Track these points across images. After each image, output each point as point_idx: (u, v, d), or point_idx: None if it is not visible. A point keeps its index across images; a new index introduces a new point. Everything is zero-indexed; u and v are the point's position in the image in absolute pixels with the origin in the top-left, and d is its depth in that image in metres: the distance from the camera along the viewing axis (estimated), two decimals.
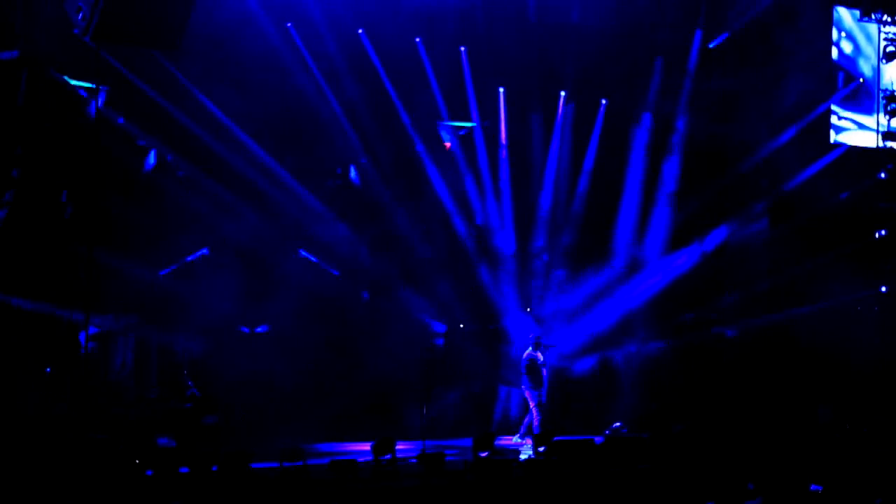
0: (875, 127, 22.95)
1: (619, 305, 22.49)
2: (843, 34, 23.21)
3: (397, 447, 16.00)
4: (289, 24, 20.29)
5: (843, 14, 23.25)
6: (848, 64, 23.32)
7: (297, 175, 21.06)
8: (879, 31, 22.96)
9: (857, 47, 23.33)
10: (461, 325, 21.79)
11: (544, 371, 19.23)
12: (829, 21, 23.12)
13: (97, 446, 14.47)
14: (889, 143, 22.76)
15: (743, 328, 22.78)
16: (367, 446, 16.11)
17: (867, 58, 23.32)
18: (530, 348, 19.36)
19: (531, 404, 19.24)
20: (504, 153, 22.51)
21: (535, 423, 19.07)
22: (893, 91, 22.73)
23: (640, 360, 22.37)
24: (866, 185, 22.87)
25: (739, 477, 15.00)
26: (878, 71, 23.08)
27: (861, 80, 23.15)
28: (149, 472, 14.35)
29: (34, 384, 16.77)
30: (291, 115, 20.85)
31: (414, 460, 16.14)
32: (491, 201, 22.53)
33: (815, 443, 18.08)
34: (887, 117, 22.65)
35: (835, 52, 23.20)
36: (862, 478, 15.12)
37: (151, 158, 19.86)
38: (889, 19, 22.81)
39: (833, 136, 23.20)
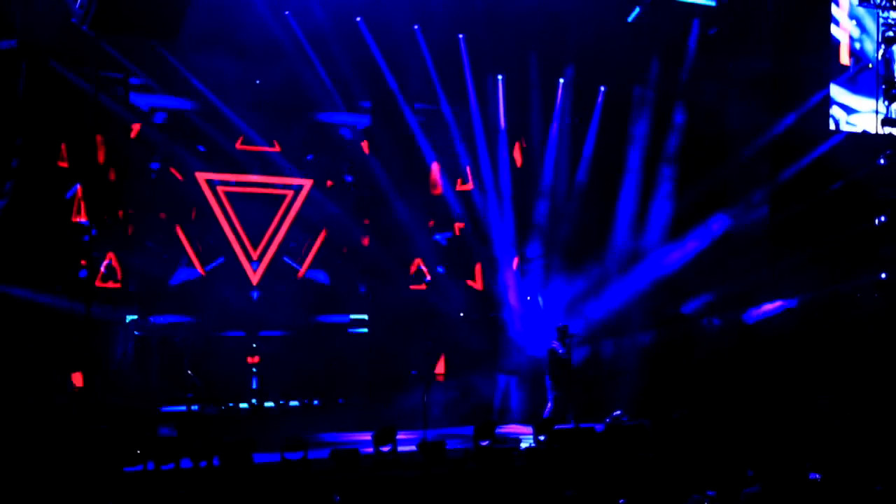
0: (874, 110, 22.89)
1: (618, 294, 22.47)
2: (854, 21, 23.10)
3: (398, 436, 16.02)
4: (287, 13, 20.23)
5: None
6: (855, 48, 23.24)
7: (296, 163, 21.07)
8: (878, 17, 22.91)
9: (864, 31, 23.21)
10: (461, 314, 21.81)
11: (568, 362, 19.10)
12: (828, 4, 23.04)
13: (99, 437, 14.49)
14: (888, 129, 22.73)
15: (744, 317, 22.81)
16: (368, 436, 16.13)
17: (875, 42, 23.24)
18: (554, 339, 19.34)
19: (549, 395, 19.15)
20: (503, 140, 22.48)
21: (546, 411, 18.99)
22: (893, 76, 22.70)
23: (634, 349, 22.35)
24: (866, 171, 22.83)
25: (739, 464, 15.04)
26: (877, 56, 23.02)
27: (870, 65, 23.04)
28: (150, 463, 14.38)
29: (34, 376, 16.75)
30: (290, 104, 20.91)
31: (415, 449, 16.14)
32: (490, 190, 22.51)
33: (815, 430, 18.12)
34: (886, 103, 22.62)
35: (845, 37, 23.08)
36: (862, 465, 15.17)
37: None
38: (887, 4, 22.76)
39: (845, 118, 23.08)
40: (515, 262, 22.47)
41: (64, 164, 18.08)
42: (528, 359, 21.14)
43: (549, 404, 19.11)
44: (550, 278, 22.58)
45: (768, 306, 22.68)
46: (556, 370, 19.19)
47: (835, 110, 23.04)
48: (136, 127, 19.33)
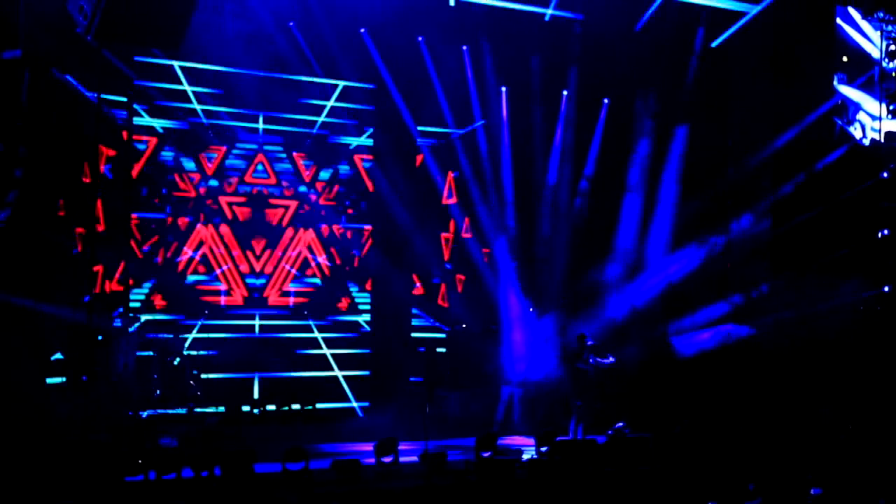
0: (879, 117, 22.87)
1: (619, 307, 22.48)
2: (880, 32, 23.03)
3: (400, 447, 16.00)
4: (291, 24, 20.31)
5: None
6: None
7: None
8: (882, 31, 22.90)
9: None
10: (463, 326, 21.81)
11: (590, 375, 18.91)
12: (832, 15, 23.01)
13: (100, 448, 14.47)
14: (892, 143, 22.72)
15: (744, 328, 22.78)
16: (369, 447, 16.10)
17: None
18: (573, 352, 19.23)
19: (573, 406, 18.93)
20: (507, 153, 22.50)
21: (571, 426, 18.85)
22: None
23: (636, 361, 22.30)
24: (869, 184, 22.80)
25: (740, 477, 15.01)
26: (879, 67, 23.01)
27: (894, 73, 22.96)
28: (151, 473, 14.36)
29: (37, 385, 16.76)
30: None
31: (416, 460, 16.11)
32: (493, 199, 22.55)
33: (817, 443, 18.08)
34: (890, 116, 22.61)
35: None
36: (864, 479, 15.13)
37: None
38: (890, 17, 22.76)
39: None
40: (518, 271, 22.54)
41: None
42: (531, 370, 21.13)
43: (574, 417, 18.89)
44: (552, 289, 22.61)
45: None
46: (577, 382, 18.94)
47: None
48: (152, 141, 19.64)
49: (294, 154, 21.31)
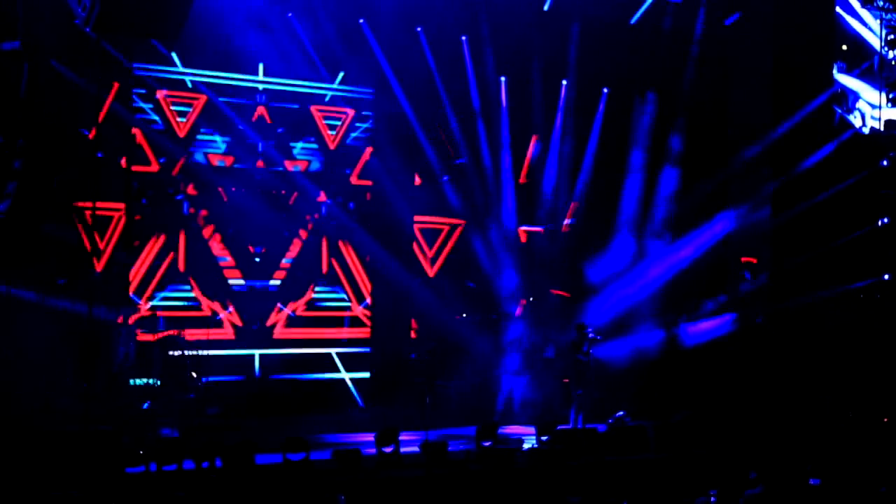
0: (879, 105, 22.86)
1: (621, 295, 22.47)
2: (880, 20, 23.00)
3: (400, 437, 16.01)
4: (290, 15, 20.30)
5: None
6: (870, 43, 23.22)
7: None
8: (882, 19, 22.88)
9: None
10: (463, 315, 21.81)
11: (590, 364, 18.84)
12: (832, 4, 22.98)
13: (101, 439, 14.48)
14: (892, 131, 22.70)
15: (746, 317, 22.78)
16: (370, 437, 16.12)
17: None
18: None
19: (573, 395, 18.92)
20: (506, 142, 22.49)
21: (571, 415, 18.85)
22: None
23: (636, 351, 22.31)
24: (868, 172, 22.79)
25: (741, 465, 15.03)
26: (879, 57, 22.98)
27: (893, 62, 22.93)
28: (152, 464, 14.37)
29: (37, 377, 16.76)
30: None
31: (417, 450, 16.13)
32: (492, 189, 22.54)
33: (819, 431, 18.10)
34: (890, 105, 22.58)
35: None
36: (866, 466, 15.15)
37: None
38: (890, 6, 22.74)
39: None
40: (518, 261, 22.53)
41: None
42: (532, 359, 21.13)
43: (574, 405, 18.89)
44: (554, 278, 22.62)
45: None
46: (576, 371, 18.94)
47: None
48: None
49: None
